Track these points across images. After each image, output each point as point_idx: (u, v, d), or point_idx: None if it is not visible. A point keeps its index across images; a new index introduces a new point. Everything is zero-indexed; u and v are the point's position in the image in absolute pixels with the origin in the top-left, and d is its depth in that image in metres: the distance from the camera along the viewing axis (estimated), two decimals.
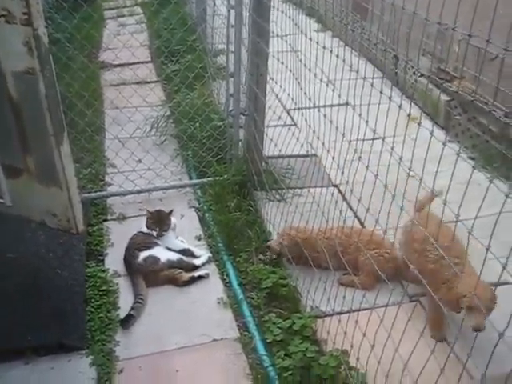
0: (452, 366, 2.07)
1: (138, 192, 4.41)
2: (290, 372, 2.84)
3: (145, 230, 3.80)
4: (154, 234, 3.75)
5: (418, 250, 3.02)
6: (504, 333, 1.62)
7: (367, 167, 2.49)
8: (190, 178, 4.69)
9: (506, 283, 3.13)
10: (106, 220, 4.19)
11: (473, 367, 2.70)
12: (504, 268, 1.60)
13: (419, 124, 2.03)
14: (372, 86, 2.47)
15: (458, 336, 1.88)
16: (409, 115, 2.20)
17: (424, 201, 3.20)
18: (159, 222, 3.79)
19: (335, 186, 4.32)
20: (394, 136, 2.33)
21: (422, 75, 6.00)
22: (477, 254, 1.67)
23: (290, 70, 3.62)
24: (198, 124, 4.87)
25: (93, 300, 3.35)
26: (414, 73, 6.11)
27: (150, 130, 5.19)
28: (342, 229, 3.40)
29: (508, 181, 4.57)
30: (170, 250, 3.73)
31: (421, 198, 2.98)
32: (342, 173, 2.83)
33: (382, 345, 2.40)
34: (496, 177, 4.63)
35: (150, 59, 7.41)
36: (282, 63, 3.80)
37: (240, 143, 4.54)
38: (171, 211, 3.88)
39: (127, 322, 3.22)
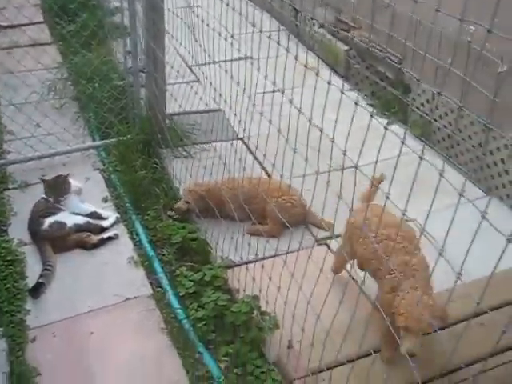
0: (351, 296, 2.18)
1: (39, 158, 4.25)
2: (204, 322, 2.92)
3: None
4: (51, 200, 3.67)
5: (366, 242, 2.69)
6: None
7: (270, 121, 2.52)
8: (93, 140, 4.57)
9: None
10: (7, 189, 4.04)
11: (371, 292, 2.84)
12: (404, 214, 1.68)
13: (317, 74, 2.07)
14: (269, 38, 2.46)
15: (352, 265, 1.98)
16: (305, 65, 2.22)
17: (368, 193, 2.82)
18: (55, 188, 3.69)
19: (240, 139, 4.36)
20: (293, 87, 2.37)
21: (321, 26, 6.08)
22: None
23: (188, 26, 3.58)
24: (97, 84, 4.72)
25: None
26: (314, 24, 6.18)
27: (48, 94, 4.98)
28: (249, 180, 3.46)
29: (405, 124, 4.78)
30: (76, 214, 3.66)
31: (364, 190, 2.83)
32: (244, 129, 2.86)
33: (287, 287, 2.50)
34: (394, 121, 4.84)
35: (42, 19, 7.03)
36: (181, 19, 3.74)
37: (142, 102, 4.47)
38: (67, 175, 3.78)
39: (37, 290, 3.16)
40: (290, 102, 2.31)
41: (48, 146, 4.29)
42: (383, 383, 1.95)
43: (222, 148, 3.63)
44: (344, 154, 1.90)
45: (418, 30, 3.49)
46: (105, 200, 3.93)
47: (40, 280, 3.19)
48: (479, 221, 1.36)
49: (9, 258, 3.36)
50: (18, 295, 3.15)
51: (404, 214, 1.68)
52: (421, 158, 1.52)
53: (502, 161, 4.03)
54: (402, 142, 1.62)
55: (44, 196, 3.69)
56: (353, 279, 2.31)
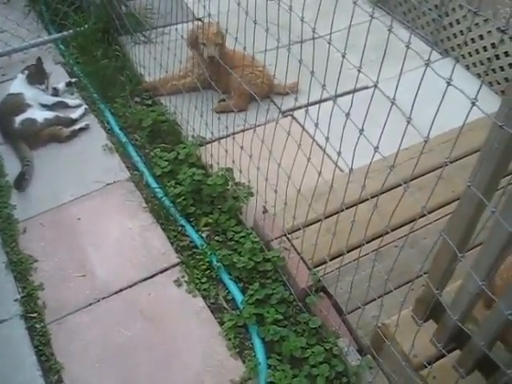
0: (317, 158, 2.33)
1: None
2: (183, 197, 3.09)
3: (13, 91, 3.70)
4: (43, 87, 3.75)
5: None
6: (363, 129, 1.84)
7: None
8: (49, 34, 4.46)
9: (366, 88, 3.44)
10: None
11: (343, 164, 3.00)
12: (359, 71, 1.76)
13: None
14: None
15: (317, 124, 2.10)
16: None
17: None
18: (41, 75, 3.76)
19: (198, 19, 4.31)
20: None
21: None
22: (338, 66, 1.82)
23: None
24: None
25: None
26: None
27: None
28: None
29: None
30: (43, 106, 3.71)
31: None
32: (204, 6, 2.84)
33: (258, 155, 2.65)
34: None
35: None
36: None
37: None
38: (39, 58, 3.82)
39: (20, 183, 3.26)
40: None
41: (3, 43, 4.19)
42: (348, 236, 2.15)
43: (181, 30, 3.61)
44: (302, 20, 1.97)
45: None
46: (70, 92, 3.94)
47: (22, 173, 3.28)
48: (439, 83, 1.42)
49: None
50: (1, 192, 3.25)
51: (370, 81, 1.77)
52: (389, 31, 1.55)
53: (458, 21, 4.12)
54: (371, 16, 1.64)
55: (11, 92, 3.69)
56: (317, 144, 2.45)
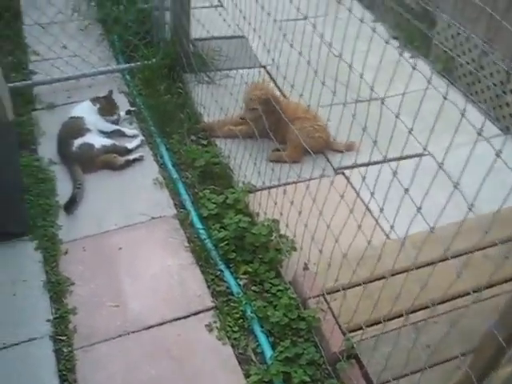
0: (370, 226, 2.31)
1: (66, 79, 4.32)
2: (225, 242, 3.08)
3: (75, 114, 3.82)
4: (115, 118, 3.90)
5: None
6: (408, 190, 1.83)
7: (300, 53, 2.56)
8: (118, 63, 4.62)
9: (421, 155, 3.41)
10: (34, 109, 4.12)
11: (385, 224, 2.98)
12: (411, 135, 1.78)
13: (338, 2, 2.11)
14: None
15: (372, 193, 2.09)
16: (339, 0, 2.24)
17: None
18: (112, 106, 3.90)
19: (263, 66, 4.40)
20: (316, 16, 2.41)
21: None
22: (398, 131, 1.83)
23: None
24: (122, 7, 4.72)
25: (31, 188, 3.41)
26: None
27: (72, 15, 4.99)
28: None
29: (427, 58, 4.77)
30: (101, 132, 3.80)
31: None
32: (272, 58, 2.88)
33: (308, 212, 2.64)
34: (417, 55, 4.83)
35: None
36: None
37: (167, 26, 4.48)
38: (111, 91, 3.98)
39: (70, 206, 3.32)
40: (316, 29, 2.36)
41: (74, 67, 4.35)
42: (392, 305, 2.11)
43: (244, 74, 3.68)
44: (371, 90, 1.99)
45: None
46: (130, 123, 4.03)
47: (74, 196, 3.34)
48: (494, 159, 1.43)
49: (40, 176, 3.51)
50: (50, 211, 3.31)
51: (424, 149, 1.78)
52: (445, 98, 1.57)
53: None
54: (429, 82, 1.68)
55: (72, 115, 3.81)
56: (365, 205, 2.43)
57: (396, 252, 1.98)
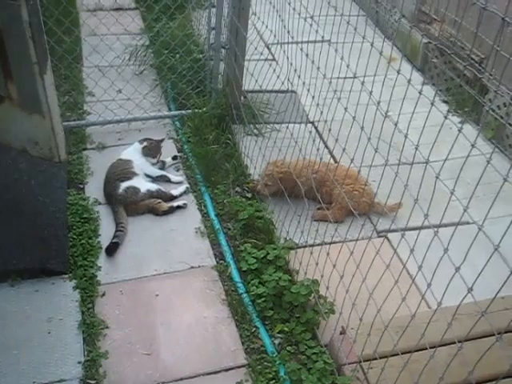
0: (412, 295, 2.25)
1: (118, 122, 4.43)
2: (263, 299, 3.04)
3: (124, 156, 3.91)
4: (154, 161, 3.98)
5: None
6: (460, 267, 1.78)
7: (345, 108, 2.58)
8: (169, 110, 4.73)
9: (467, 223, 3.34)
10: (85, 149, 4.23)
11: (431, 297, 2.91)
12: (465, 210, 1.74)
13: (389, 64, 2.12)
14: (348, 23, 2.49)
15: (420, 268, 2.05)
16: (388, 62, 2.27)
17: None
18: (157, 151, 3.99)
19: (312, 122, 4.43)
20: (366, 75, 2.40)
21: (403, 16, 6.01)
22: (442, 196, 1.80)
23: (274, 6, 3.64)
24: (178, 55, 4.85)
25: (74, 227, 3.45)
26: (395, 13, 6.12)
27: (129, 59, 5.15)
28: (325, 164, 3.54)
29: (477, 125, 4.74)
30: (147, 176, 3.87)
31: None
32: (321, 112, 2.91)
33: (350, 276, 2.58)
34: (466, 121, 4.80)
35: None
36: None
37: (220, 77, 4.57)
38: (163, 140, 4.13)
39: (112, 249, 3.35)
40: (363, 86, 2.36)
41: (126, 111, 4.46)
42: (436, 380, 2.02)
43: (293, 130, 3.70)
44: (416, 149, 1.98)
45: (505, 31, 3.44)
46: (177, 169, 4.09)
47: (115, 240, 3.38)
48: None
49: (85, 216, 3.55)
50: (91, 251, 3.33)
51: (465, 211, 1.74)
52: (488, 162, 1.55)
53: None
54: (472, 146, 1.67)
55: (121, 157, 3.90)
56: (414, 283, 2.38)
57: (440, 324, 1.92)
